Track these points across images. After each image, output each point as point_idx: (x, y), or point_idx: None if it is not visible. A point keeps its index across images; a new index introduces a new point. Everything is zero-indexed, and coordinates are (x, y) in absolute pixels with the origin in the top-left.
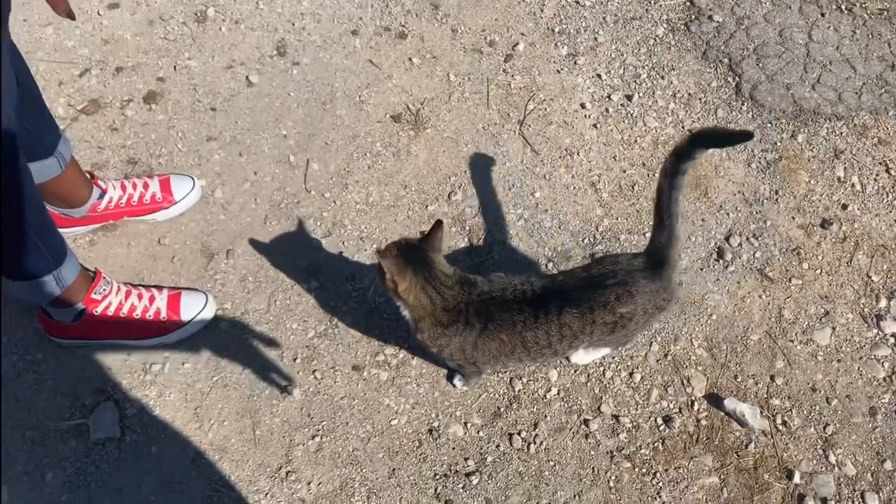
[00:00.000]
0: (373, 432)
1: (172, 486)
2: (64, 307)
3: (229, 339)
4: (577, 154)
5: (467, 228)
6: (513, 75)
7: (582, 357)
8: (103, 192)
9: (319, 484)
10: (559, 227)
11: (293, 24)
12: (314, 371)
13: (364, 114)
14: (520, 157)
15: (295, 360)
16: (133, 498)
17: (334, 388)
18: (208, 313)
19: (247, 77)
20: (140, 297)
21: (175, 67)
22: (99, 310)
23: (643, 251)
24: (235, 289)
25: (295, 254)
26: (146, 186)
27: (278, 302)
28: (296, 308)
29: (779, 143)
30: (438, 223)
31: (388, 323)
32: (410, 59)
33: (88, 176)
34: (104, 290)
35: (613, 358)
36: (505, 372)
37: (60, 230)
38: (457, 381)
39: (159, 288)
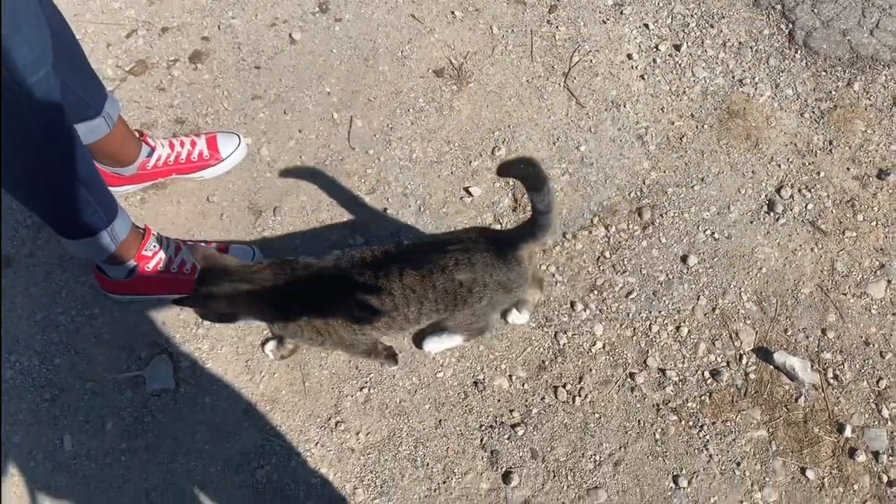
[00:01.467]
0: (419, 384)
1: (226, 435)
2: (117, 264)
3: None
4: (624, 106)
5: (511, 184)
6: (557, 27)
7: (434, 345)
8: (152, 150)
9: (368, 434)
10: (605, 181)
11: None
12: None
13: (406, 69)
14: (564, 110)
15: None
16: (188, 446)
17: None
18: None
19: (290, 35)
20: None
21: (219, 27)
22: (150, 266)
23: (501, 233)
24: (283, 245)
25: (340, 210)
26: (193, 144)
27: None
28: None
29: (834, 92)
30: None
31: None
32: (453, 13)
33: (137, 134)
34: (154, 246)
35: (660, 312)
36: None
37: (112, 189)
38: (268, 349)
39: (208, 243)
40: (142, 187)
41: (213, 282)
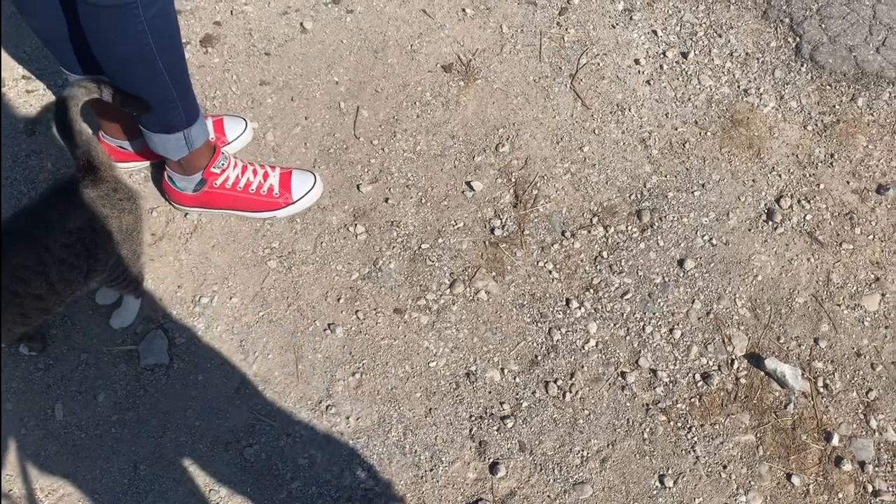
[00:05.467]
0: (411, 373)
1: (217, 412)
2: (189, 174)
3: (276, 276)
4: (629, 110)
5: (513, 181)
6: (567, 28)
7: (103, 297)
8: None
9: (358, 419)
10: (606, 183)
11: None
12: (357, 311)
13: (415, 63)
14: (570, 111)
15: (339, 300)
16: (179, 422)
17: (376, 328)
18: (316, 193)
19: (301, 23)
20: (255, 173)
21: (231, 12)
22: (218, 182)
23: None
24: (284, 229)
25: (342, 198)
26: None
27: (324, 244)
28: (341, 250)
29: (837, 107)
30: None
31: (431, 270)
32: (464, 10)
33: None
34: (222, 164)
35: (655, 314)
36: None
37: (117, 164)
38: (23, 347)
39: (272, 166)
40: (145, 165)
41: None
